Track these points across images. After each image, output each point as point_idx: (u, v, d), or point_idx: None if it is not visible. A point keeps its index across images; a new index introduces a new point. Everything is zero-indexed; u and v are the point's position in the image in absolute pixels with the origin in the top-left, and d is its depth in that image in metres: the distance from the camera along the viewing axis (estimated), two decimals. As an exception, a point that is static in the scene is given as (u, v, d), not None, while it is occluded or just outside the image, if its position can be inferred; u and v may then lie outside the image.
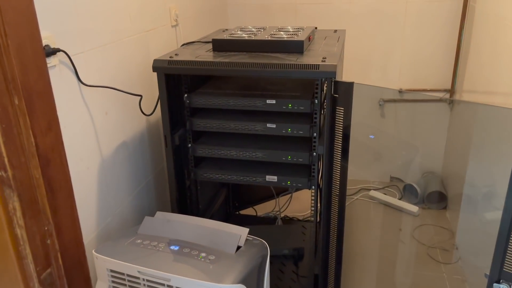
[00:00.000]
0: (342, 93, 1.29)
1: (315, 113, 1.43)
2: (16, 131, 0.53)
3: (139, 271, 1.08)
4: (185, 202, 1.67)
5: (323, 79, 1.37)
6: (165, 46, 1.91)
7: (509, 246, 1.08)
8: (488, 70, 2.02)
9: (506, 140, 1.81)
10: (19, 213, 0.55)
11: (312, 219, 2.03)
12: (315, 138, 1.45)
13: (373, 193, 2.72)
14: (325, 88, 1.39)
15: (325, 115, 1.38)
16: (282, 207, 2.29)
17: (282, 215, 2.32)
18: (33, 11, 0.59)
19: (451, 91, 2.58)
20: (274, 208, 2.34)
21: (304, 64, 1.30)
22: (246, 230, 1.23)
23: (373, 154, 2.90)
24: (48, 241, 0.60)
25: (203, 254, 1.13)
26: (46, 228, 0.59)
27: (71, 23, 1.24)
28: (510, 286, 1.09)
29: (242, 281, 1.06)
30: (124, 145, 1.60)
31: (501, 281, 1.11)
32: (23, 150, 0.55)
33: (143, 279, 1.09)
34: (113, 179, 1.52)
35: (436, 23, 2.50)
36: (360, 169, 2.97)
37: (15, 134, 0.53)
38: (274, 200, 2.31)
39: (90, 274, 0.73)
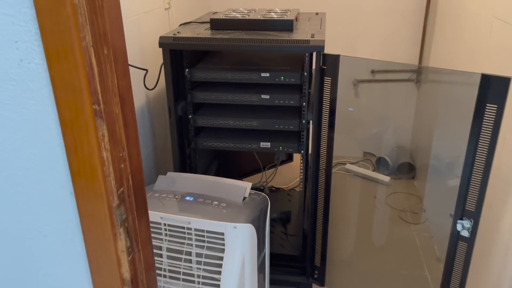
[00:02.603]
0: (330, 64, 1.48)
1: (304, 85, 1.61)
2: (106, 74, 0.69)
3: (161, 217, 1.25)
4: (185, 169, 1.83)
5: (312, 53, 1.56)
6: (158, 28, 2.05)
7: (470, 189, 1.31)
8: (450, 52, 2.27)
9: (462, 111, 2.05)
10: (106, 139, 0.70)
11: (297, 189, 2.24)
12: (304, 107, 1.64)
13: (349, 166, 2.95)
14: (313, 62, 1.58)
15: (314, 86, 1.57)
16: (269, 178, 2.48)
17: (269, 185, 2.51)
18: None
19: (418, 71, 2.83)
20: (261, 180, 2.52)
21: (297, 40, 1.48)
22: (250, 184, 1.41)
23: (348, 132, 3.13)
24: (122, 166, 0.76)
25: (216, 203, 1.31)
26: (121, 155, 0.75)
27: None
28: (471, 221, 1.32)
29: (251, 222, 1.25)
30: (129, 117, 1.74)
31: (463, 217, 1.34)
32: (109, 90, 0.71)
33: (164, 224, 1.26)
34: (121, 147, 1.66)
35: (405, 9, 2.73)
36: (336, 146, 3.20)
37: (105, 77, 0.69)
38: (261, 173, 2.49)
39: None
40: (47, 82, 0.67)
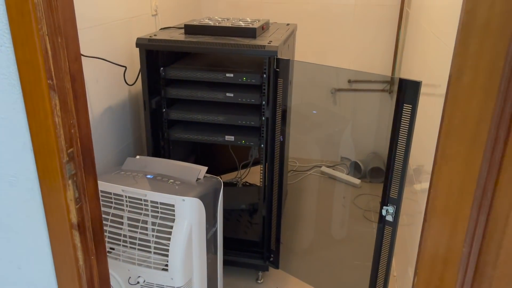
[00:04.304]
0: (282, 67, 1.69)
1: (264, 85, 1.82)
2: (59, 57, 0.91)
3: (122, 190, 1.45)
4: (159, 158, 2.04)
5: (270, 58, 1.77)
6: (146, 31, 2.28)
7: (392, 179, 1.50)
8: (417, 65, 2.46)
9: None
10: (58, 107, 0.91)
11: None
12: (263, 105, 1.85)
13: (324, 169, 3.14)
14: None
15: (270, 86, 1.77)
16: (243, 174, 2.68)
17: (243, 181, 2.70)
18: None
19: (391, 82, 3.03)
20: (236, 176, 2.72)
21: (254, 44, 1.69)
22: (205, 168, 1.61)
23: (327, 138, 3.32)
24: (72, 131, 0.97)
25: (171, 181, 1.51)
26: (71, 122, 0.96)
27: (74, 5, 1.60)
28: (394, 207, 1.51)
29: (199, 197, 1.45)
30: (110, 110, 1.96)
31: (388, 204, 1.52)
32: (61, 69, 0.92)
33: (126, 196, 1.46)
34: (100, 136, 1.87)
35: (379, 25, 2.94)
36: (316, 151, 3.39)
37: (58, 59, 0.90)
38: (238, 170, 2.69)
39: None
40: (13, 61, 0.88)
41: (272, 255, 2.02)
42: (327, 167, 3.19)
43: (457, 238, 0.73)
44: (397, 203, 1.50)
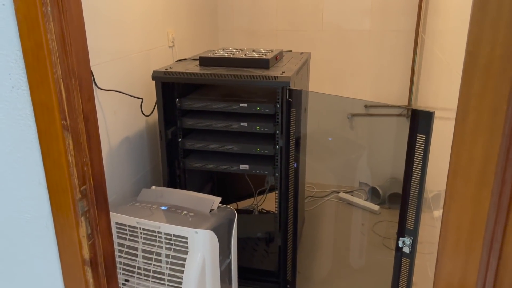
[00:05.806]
0: (294, 98, 1.70)
1: (277, 115, 1.83)
2: (73, 98, 0.94)
3: (137, 222, 1.47)
4: (175, 187, 2.05)
5: (283, 88, 1.78)
6: (163, 62, 2.33)
7: (408, 210, 1.47)
8: (433, 91, 2.44)
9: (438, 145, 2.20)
10: (71, 147, 0.94)
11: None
12: (277, 134, 1.85)
13: (342, 194, 3.10)
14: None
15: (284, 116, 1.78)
16: (259, 201, 2.67)
17: (259, 208, 2.69)
18: (85, 36, 1.00)
19: (408, 107, 3.00)
20: (253, 203, 2.72)
21: (267, 76, 1.71)
22: (219, 198, 1.62)
23: (345, 163, 3.29)
24: (85, 168, 0.99)
25: (185, 212, 1.52)
26: (84, 160, 0.98)
27: (92, 41, 1.65)
28: (411, 238, 1.48)
29: (212, 229, 1.45)
30: (128, 140, 2.00)
31: (404, 235, 1.49)
32: (75, 110, 0.95)
33: (140, 228, 1.47)
34: (117, 166, 1.91)
35: (395, 50, 2.94)
36: (333, 177, 3.36)
37: (72, 100, 0.93)
38: (255, 197, 2.69)
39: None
40: (29, 103, 0.92)
41: (288, 286, 1.99)
42: (345, 192, 3.15)
43: (469, 282, 0.71)
44: (414, 235, 1.47)
